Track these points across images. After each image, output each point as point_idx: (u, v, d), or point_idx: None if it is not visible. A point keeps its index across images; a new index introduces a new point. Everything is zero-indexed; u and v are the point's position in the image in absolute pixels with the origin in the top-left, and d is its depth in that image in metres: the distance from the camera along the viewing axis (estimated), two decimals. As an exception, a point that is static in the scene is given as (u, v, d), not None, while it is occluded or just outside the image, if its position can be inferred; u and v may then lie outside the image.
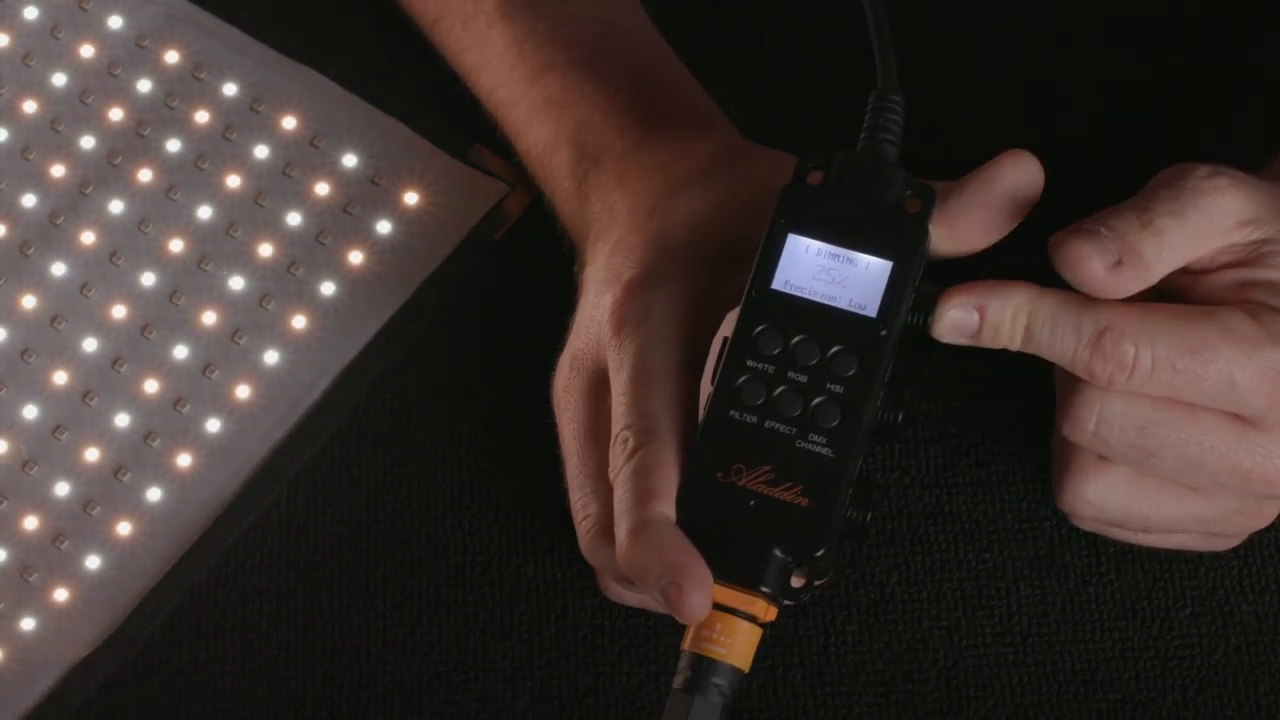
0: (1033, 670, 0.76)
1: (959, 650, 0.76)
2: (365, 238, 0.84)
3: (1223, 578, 0.77)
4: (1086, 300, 0.66)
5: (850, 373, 0.66)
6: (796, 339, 0.66)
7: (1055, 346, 0.66)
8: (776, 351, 0.66)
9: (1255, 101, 0.86)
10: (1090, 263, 0.65)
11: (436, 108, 0.86)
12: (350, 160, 0.86)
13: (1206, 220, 0.67)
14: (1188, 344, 0.65)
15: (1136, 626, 0.76)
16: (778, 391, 0.66)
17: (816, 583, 0.66)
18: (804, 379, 0.66)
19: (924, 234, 0.66)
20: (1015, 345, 0.67)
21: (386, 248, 0.84)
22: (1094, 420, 0.67)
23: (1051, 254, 0.66)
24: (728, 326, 0.68)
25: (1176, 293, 0.69)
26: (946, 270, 0.68)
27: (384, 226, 0.85)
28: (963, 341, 0.67)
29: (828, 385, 0.66)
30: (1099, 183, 0.71)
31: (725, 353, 0.66)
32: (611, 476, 0.66)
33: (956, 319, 0.66)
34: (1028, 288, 0.66)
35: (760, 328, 0.66)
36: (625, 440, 0.66)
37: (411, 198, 0.85)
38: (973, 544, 0.78)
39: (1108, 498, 0.70)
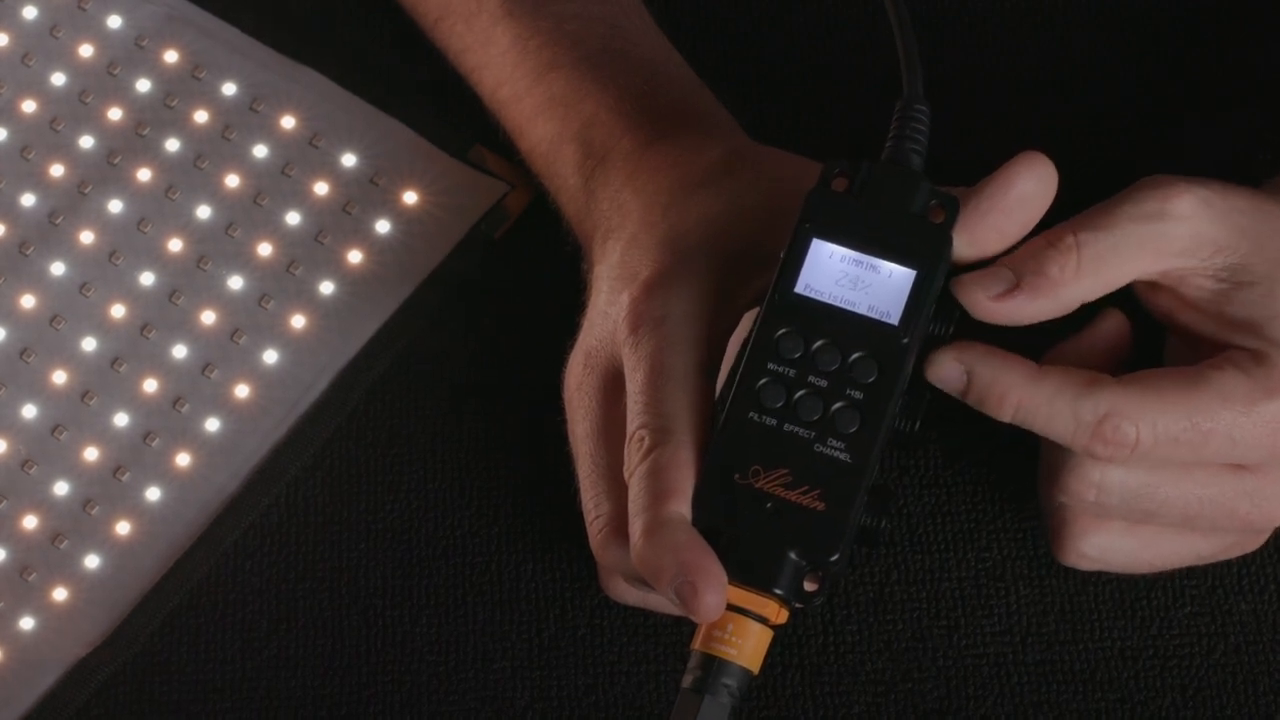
0: (1032, 669, 0.76)
1: (958, 650, 0.76)
2: (365, 237, 0.84)
3: (1221, 577, 0.77)
4: (1084, 382, 0.66)
5: (870, 379, 0.66)
6: (818, 344, 0.66)
7: (1051, 430, 0.67)
8: (797, 355, 0.66)
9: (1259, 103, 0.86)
10: (974, 293, 0.66)
11: (436, 108, 0.86)
12: (350, 160, 0.86)
13: (1149, 236, 0.66)
14: (1187, 416, 0.66)
15: (1135, 626, 0.76)
16: (798, 395, 0.66)
17: (829, 587, 0.66)
18: (824, 384, 0.66)
19: (948, 244, 0.66)
20: (1005, 419, 0.67)
21: (386, 247, 0.84)
22: (1093, 491, 0.68)
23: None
24: (746, 328, 0.68)
25: (1162, 316, 0.70)
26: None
27: (383, 226, 0.84)
28: (954, 394, 0.67)
29: (848, 391, 0.65)
30: (1105, 183, 0.71)
31: (745, 354, 0.66)
32: (627, 475, 0.66)
33: (946, 373, 0.67)
34: (1022, 369, 0.66)
35: (782, 331, 0.66)
36: (641, 439, 0.66)
37: (411, 197, 0.85)
38: (972, 544, 0.78)
39: (1109, 551, 0.71)
